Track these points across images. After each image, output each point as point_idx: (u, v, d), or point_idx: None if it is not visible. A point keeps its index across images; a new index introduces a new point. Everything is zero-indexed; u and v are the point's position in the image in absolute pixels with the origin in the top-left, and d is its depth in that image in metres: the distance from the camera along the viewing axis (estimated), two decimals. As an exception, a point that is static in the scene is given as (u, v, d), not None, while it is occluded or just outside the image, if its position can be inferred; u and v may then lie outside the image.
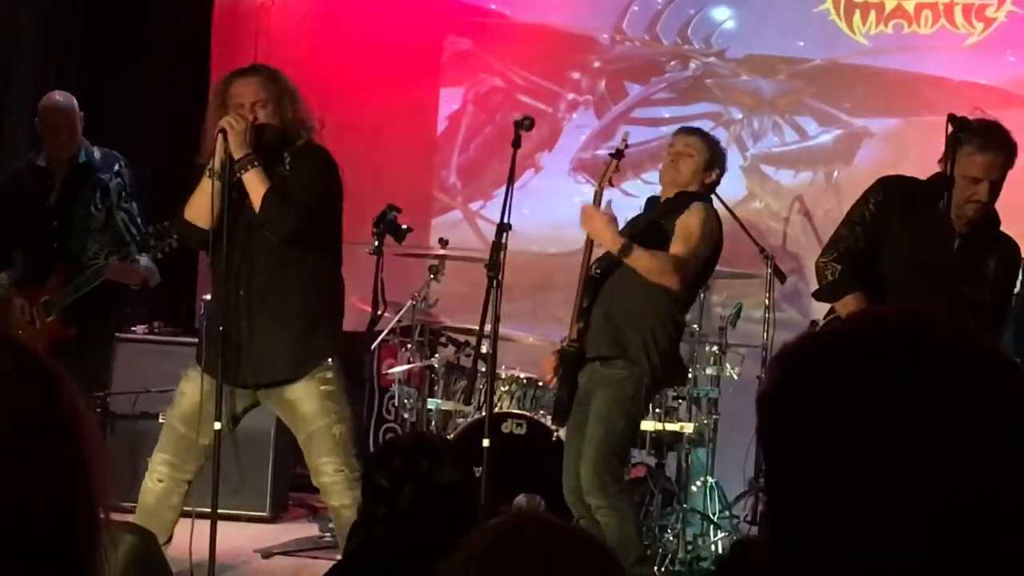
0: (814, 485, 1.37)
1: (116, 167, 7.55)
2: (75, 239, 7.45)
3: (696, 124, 9.13)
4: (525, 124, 6.28)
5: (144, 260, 7.21)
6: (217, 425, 5.75)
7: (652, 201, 6.76)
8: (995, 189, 5.73)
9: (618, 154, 6.55)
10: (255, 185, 5.74)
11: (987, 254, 5.83)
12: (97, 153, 7.60)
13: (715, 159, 6.63)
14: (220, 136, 5.67)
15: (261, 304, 5.87)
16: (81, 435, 1.96)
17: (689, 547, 7.22)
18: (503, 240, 6.11)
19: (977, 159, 5.65)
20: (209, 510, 5.78)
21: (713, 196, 6.90)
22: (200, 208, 5.80)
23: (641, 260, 6.35)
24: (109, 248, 7.38)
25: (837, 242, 5.92)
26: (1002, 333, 6.05)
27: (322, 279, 6.03)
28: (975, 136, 5.66)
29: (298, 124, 5.89)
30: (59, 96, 7.62)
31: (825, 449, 1.36)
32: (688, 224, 6.36)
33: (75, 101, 7.55)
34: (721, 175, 6.64)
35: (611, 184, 6.57)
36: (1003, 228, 5.90)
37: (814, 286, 6.60)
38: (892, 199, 5.85)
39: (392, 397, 8.15)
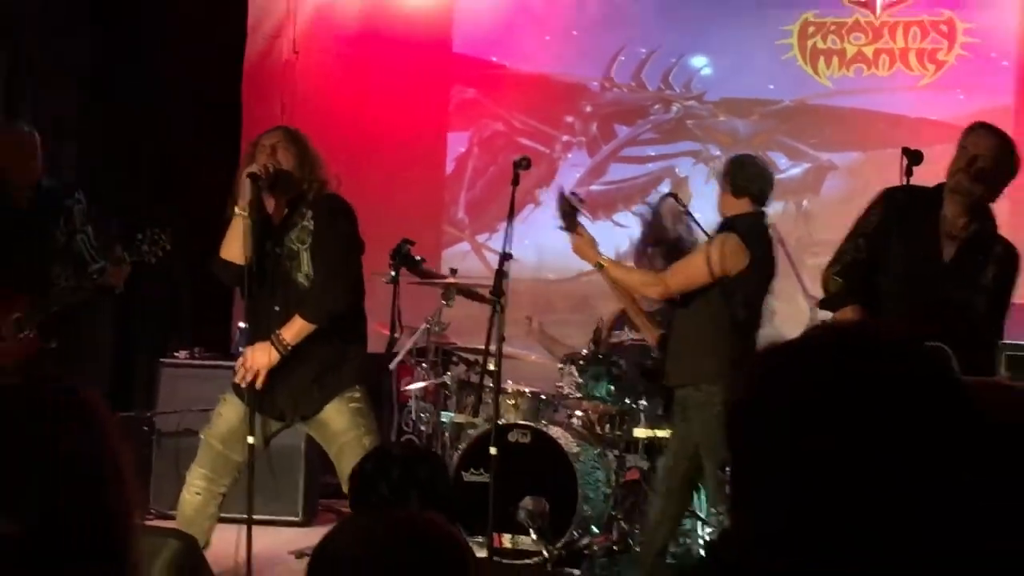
0: (768, 484, 1.38)
1: (76, 194, 7.21)
2: None
3: (677, 161, 9.27)
4: (523, 164, 6.31)
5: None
6: (251, 439, 5.76)
7: None
8: (982, 173, 5.55)
9: (577, 203, 6.64)
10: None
11: (986, 263, 5.67)
12: (56, 183, 7.33)
13: (723, 172, 6.64)
14: (248, 180, 5.70)
15: None
16: (118, 457, 2.03)
17: (680, 542, 7.22)
18: (505, 268, 6.14)
19: (970, 137, 5.60)
20: (246, 516, 5.80)
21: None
22: (233, 247, 5.79)
23: (616, 274, 6.50)
24: (69, 268, 6.99)
25: (842, 254, 5.83)
26: (997, 340, 5.85)
27: (348, 316, 6.01)
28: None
29: (314, 173, 5.90)
30: (24, 127, 7.35)
31: (776, 451, 1.36)
32: (697, 250, 6.39)
33: (37, 134, 7.17)
34: (732, 180, 6.48)
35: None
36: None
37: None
38: (891, 211, 5.73)
39: (410, 412, 8.16)
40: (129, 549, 1.99)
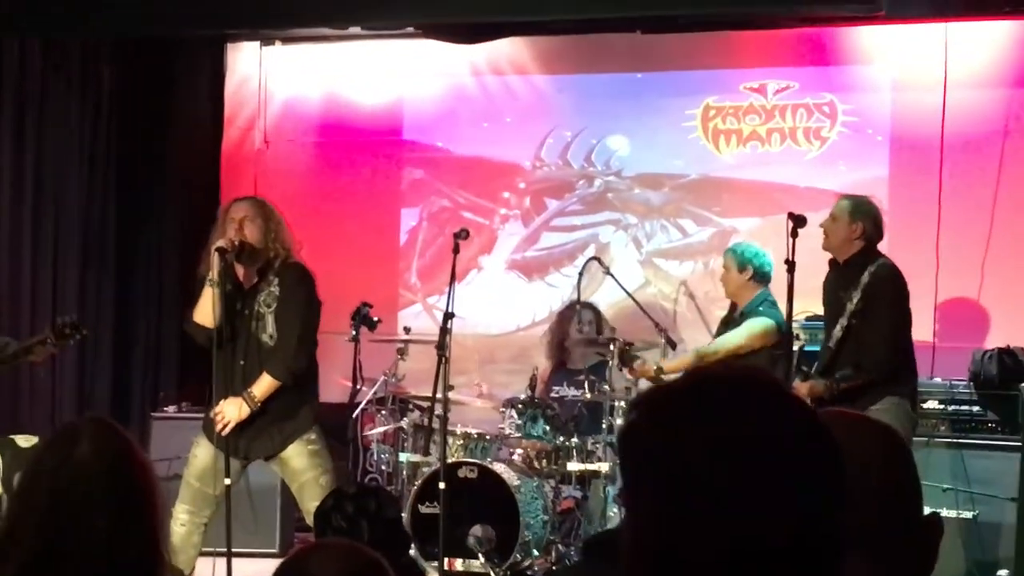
0: (643, 506, 1.36)
1: None
2: None
3: (600, 229, 9.33)
4: (462, 235, 6.37)
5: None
6: (227, 481, 5.77)
7: (731, 304, 7.18)
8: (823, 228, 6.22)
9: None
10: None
11: (853, 290, 6.02)
12: None
13: (744, 262, 6.92)
14: (216, 254, 5.70)
15: None
16: (151, 495, 2.08)
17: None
18: (448, 325, 6.18)
19: None
20: (225, 549, 5.78)
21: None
22: (204, 312, 5.81)
23: (673, 366, 7.04)
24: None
25: None
26: (879, 350, 6.03)
27: (305, 374, 6.01)
28: None
29: (279, 242, 5.91)
30: None
31: (650, 478, 1.35)
32: (739, 332, 6.86)
33: None
34: (758, 268, 6.87)
35: None
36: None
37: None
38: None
39: (372, 454, 8.13)
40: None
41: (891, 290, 6.05)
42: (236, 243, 5.73)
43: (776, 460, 1.31)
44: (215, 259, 5.70)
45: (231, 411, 5.80)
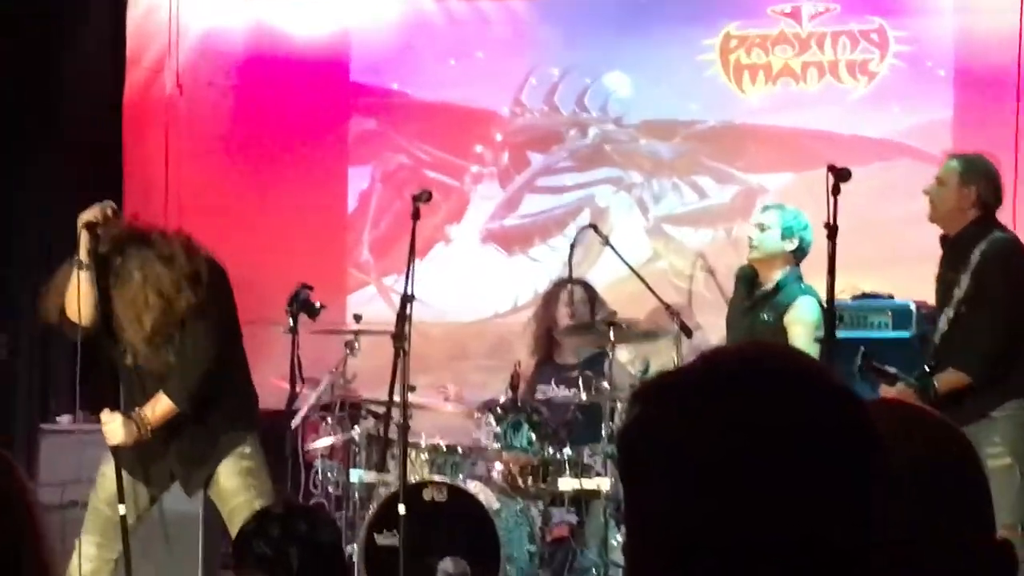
0: (655, 518, 1.39)
1: None
2: None
3: (596, 190, 9.32)
4: (423, 197, 6.35)
5: None
6: (121, 509, 5.75)
7: (746, 279, 7.12)
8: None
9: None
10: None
11: (963, 271, 6.14)
12: None
13: (791, 230, 6.92)
14: (84, 231, 5.60)
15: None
16: (35, 515, 2.08)
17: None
18: (408, 312, 6.16)
19: None
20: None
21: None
22: (74, 304, 5.67)
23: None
24: None
25: None
26: (982, 346, 6.12)
27: (225, 380, 5.93)
28: None
29: (185, 279, 5.77)
30: None
31: (667, 480, 1.38)
32: (795, 332, 6.74)
33: None
34: (803, 242, 6.91)
35: None
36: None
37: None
38: None
39: (317, 472, 8.12)
40: None
41: (1005, 271, 6.08)
42: (108, 212, 5.66)
43: (810, 452, 1.35)
44: (83, 236, 5.59)
45: (117, 434, 5.72)
